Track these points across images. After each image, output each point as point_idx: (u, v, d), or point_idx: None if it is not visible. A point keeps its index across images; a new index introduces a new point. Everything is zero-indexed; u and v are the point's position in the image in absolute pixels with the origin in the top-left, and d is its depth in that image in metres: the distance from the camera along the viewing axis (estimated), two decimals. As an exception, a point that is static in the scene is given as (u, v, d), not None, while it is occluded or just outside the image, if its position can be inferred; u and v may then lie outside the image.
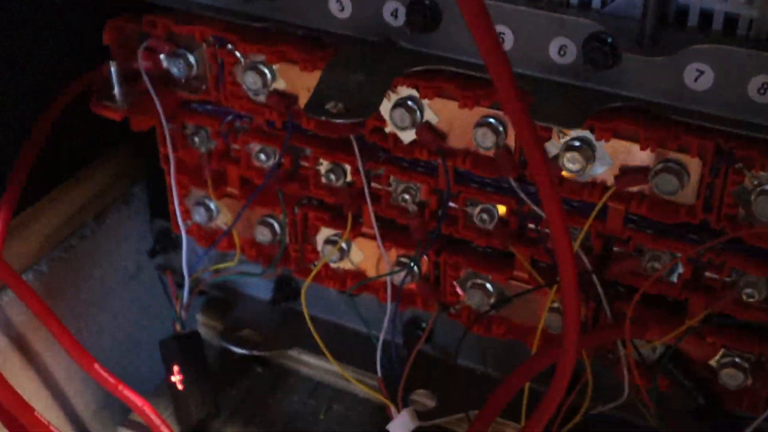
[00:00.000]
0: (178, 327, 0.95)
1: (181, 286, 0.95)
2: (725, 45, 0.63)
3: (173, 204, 0.92)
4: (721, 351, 0.75)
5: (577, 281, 0.64)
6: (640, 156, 0.70)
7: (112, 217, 1.00)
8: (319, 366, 0.99)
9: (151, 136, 0.91)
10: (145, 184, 1.01)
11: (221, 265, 0.96)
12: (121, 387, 0.92)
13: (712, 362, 0.76)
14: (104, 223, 0.99)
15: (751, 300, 0.71)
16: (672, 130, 0.67)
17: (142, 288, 1.06)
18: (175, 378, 0.94)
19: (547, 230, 0.76)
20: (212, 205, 0.92)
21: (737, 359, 0.75)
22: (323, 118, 0.69)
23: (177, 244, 0.99)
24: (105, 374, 0.92)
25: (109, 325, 1.03)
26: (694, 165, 0.68)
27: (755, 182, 0.66)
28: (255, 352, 0.99)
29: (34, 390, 0.92)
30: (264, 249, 0.91)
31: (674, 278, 0.74)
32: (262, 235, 0.89)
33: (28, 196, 0.87)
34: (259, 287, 1.01)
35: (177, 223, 0.92)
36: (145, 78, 0.83)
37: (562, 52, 0.68)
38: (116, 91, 0.84)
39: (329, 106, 0.69)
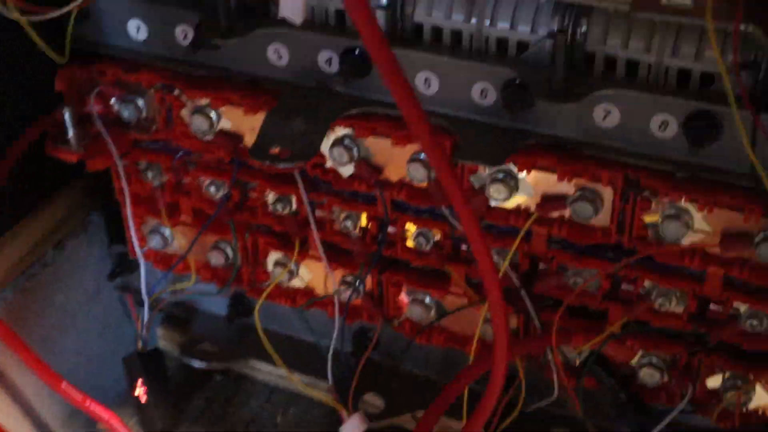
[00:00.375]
0: (140, 344, 1.01)
1: (141, 305, 1.01)
2: (628, 89, 0.70)
3: (129, 233, 0.97)
4: (639, 353, 0.83)
5: (504, 308, 0.70)
6: (558, 185, 0.76)
7: (72, 244, 1.04)
8: (274, 372, 1.05)
9: (107, 169, 0.95)
10: (102, 211, 1.06)
11: (179, 286, 1.02)
12: (88, 402, 0.97)
13: (633, 363, 0.83)
14: (64, 251, 1.03)
15: (663, 309, 0.78)
16: (585, 163, 0.74)
17: (103, 308, 1.11)
18: (139, 391, 1.00)
19: (478, 250, 0.83)
20: (167, 233, 0.97)
21: (654, 360, 0.82)
22: (267, 163, 0.75)
23: (135, 267, 1.05)
24: (72, 391, 0.97)
25: (73, 344, 1.07)
26: (606, 193, 0.75)
27: (662, 208, 0.73)
28: (214, 364, 1.04)
29: (4, 407, 0.97)
30: (218, 271, 0.97)
31: (594, 291, 0.81)
32: (216, 259, 0.95)
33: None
34: (215, 303, 1.06)
35: (134, 250, 0.97)
36: (98, 121, 0.88)
37: (483, 95, 0.75)
38: (70, 135, 0.89)
39: (273, 150, 0.75)
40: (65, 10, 0.76)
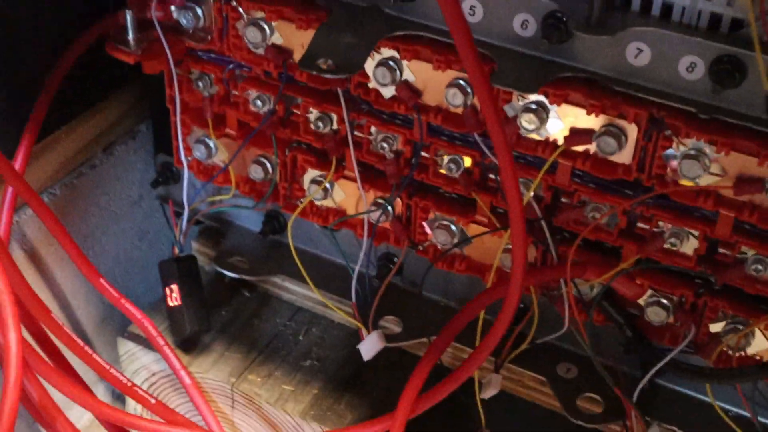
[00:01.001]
0: (176, 251, 1.06)
1: (180, 214, 1.06)
2: (661, 28, 0.74)
3: (176, 141, 1.01)
4: (649, 291, 0.86)
5: (524, 227, 0.75)
6: (586, 120, 0.80)
7: (120, 149, 1.10)
8: (299, 292, 1.09)
9: (157, 78, 1.00)
10: (151, 121, 1.11)
11: (217, 198, 1.07)
12: (123, 300, 1.03)
13: (640, 301, 0.87)
14: (112, 155, 1.09)
15: (674, 248, 0.82)
16: (613, 99, 0.77)
17: (143, 215, 1.17)
18: (173, 295, 1.05)
19: (505, 180, 0.87)
20: (211, 144, 1.01)
21: (662, 299, 0.86)
22: (314, 73, 0.79)
23: (177, 177, 1.10)
24: (109, 288, 1.02)
25: (112, 246, 1.13)
26: (631, 130, 0.79)
27: (681, 147, 0.77)
28: (244, 277, 1.09)
29: (44, 300, 1.03)
30: (256, 185, 1.01)
31: (612, 227, 0.85)
32: (256, 173, 0.99)
33: (47, 126, 0.96)
34: (250, 219, 1.11)
35: (179, 158, 1.02)
36: (157, 27, 0.93)
37: (524, 26, 0.78)
38: (130, 37, 0.93)
39: (320, 62, 0.80)
40: None
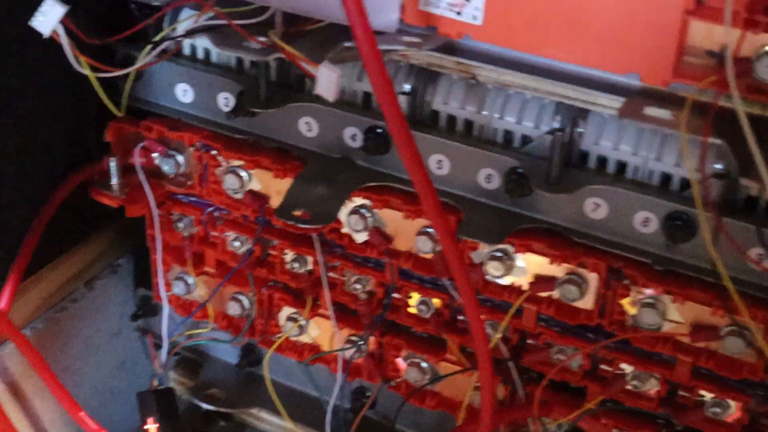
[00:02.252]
0: (155, 383, 1.08)
1: (159, 346, 1.08)
2: (616, 186, 0.78)
3: (157, 277, 1.05)
4: (614, 431, 0.89)
5: (492, 369, 0.78)
6: (549, 268, 0.84)
7: (101, 284, 1.12)
8: (275, 423, 1.11)
9: (137, 218, 1.04)
10: (131, 257, 1.14)
11: (195, 331, 1.09)
12: (102, 433, 1.04)
13: (607, 440, 0.90)
14: (93, 289, 1.11)
15: (636, 390, 0.85)
16: (574, 250, 0.82)
17: (121, 346, 1.18)
18: (151, 427, 1.07)
19: (473, 322, 0.90)
20: (190, 280, 1.05)
21: (626, 439, 0.89)
22: (291, 223, 0.83)
23: (156, 310, 1.13)
24: (89, 421, 1.04)
25: (91, 377, 1.15)
26: (592, 278, 0.83)
27: (639, 296, 0.81)
28: (221, 409, 1.11)
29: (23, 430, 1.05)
30: (233, 320, 1.04)
31: (576, 368, 0.88)
32: (233, 309, 1.02)
33: (32, 265, 0.99)
34: (226, 351, 1.14)
35: (159, 294, 1.05)
36: (140, 172, 0.97)
37: (488, 180, 0.83)
38: (114, 182, 0.97)
39: (296, 212, 0.84)
40: (128, 70, 0.86)
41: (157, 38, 0.89)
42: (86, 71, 0.80)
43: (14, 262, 0.96)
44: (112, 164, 0.97)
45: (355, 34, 0.59)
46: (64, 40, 0.75)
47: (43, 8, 0.74)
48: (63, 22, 0.75)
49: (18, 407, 1.05)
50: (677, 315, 0.80)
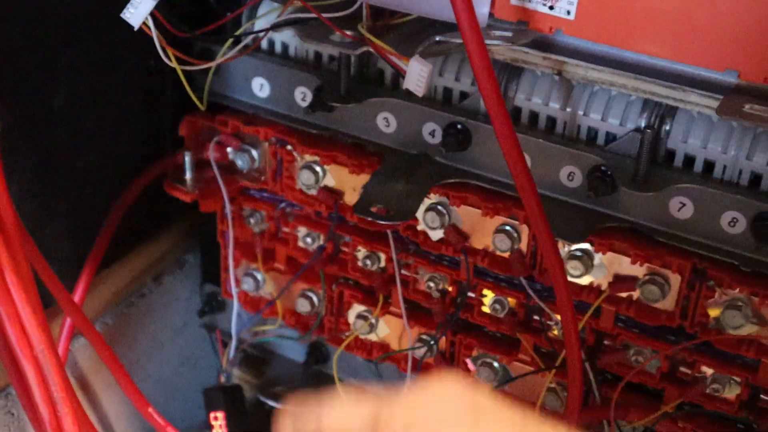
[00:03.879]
0: (222, 379, 1.08)
1: (226, 343, 1.09)
2: (703, 185, 0.77)
3: (225, 273, 1.05)
4: (691, 434, 0.88)
5: (582, 363, 0.77)
6: (630, 268, 0.83)
7: (168, 279, 1.13)
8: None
9: (205, 213, 1.04)
10: (199, 252, 1.14)
11: (263, 328, 1.09)
12: (169, 429, 1.04)
13: (683, 443, 0.89)
14: (161, 284, 1.12)
15: (716, 393, 0.84)
16: (658, 250, 0.81)
17: (185, 342, 1.19)
18: (218, 423, 1.07)
19: (549, 322, 0.90)
20: (259, 277, 1.05)
21: (705, 443, 0.88)
22: (369, 219, 0.83)
23: (223, 307, 1.13)
24: (157, 417, 1.04)
25: (156, 372, 1.15)
26: (674, 279, 0.82)
27: (723, 298, 0.80)
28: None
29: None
30: (302, 318, 1.04)
31: (653, 370, 0.87)
32: (302, 306, 1.02)
33: (104, 260, 1.00)
34: (292, 349, 1.13)
35: (228, 289, 1.05)
36: (214, 167, 0.97)
37: (570, 178, 0.82)
38: (188, 176, 0.98)
39: (374, 209, 0.83)
40: (212, 64, 0.86)
41: (239, 32, 0.89)
42: (174, 64, 0.80)
43: (89, 256, 0.97)
44: (187, 159, 0.97)
45: (461, 28, 0.59)
46: (155, 32, 0.76)
47: (134, 1, 0.74)
48: (153, 13, 0.75)
49: (86, 401, 1.06)
50: (762, 317, 0.79)
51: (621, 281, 0.84)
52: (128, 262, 1.06)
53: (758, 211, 0.75)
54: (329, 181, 0.94)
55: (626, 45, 0.74)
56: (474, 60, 0.60)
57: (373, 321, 0.99)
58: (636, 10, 0.71)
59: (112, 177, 0.97)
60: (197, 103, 0.91)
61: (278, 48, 0.94)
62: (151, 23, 0.75)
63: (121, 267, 1.05)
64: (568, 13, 0.74)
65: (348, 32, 0.78)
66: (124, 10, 0.74)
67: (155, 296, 1.12)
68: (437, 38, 0.76)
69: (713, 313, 0.81)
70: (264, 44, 0.94)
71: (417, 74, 0.73)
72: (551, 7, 0.74)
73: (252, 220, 1.02)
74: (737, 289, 0.78)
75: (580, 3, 0.73)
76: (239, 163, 0.97)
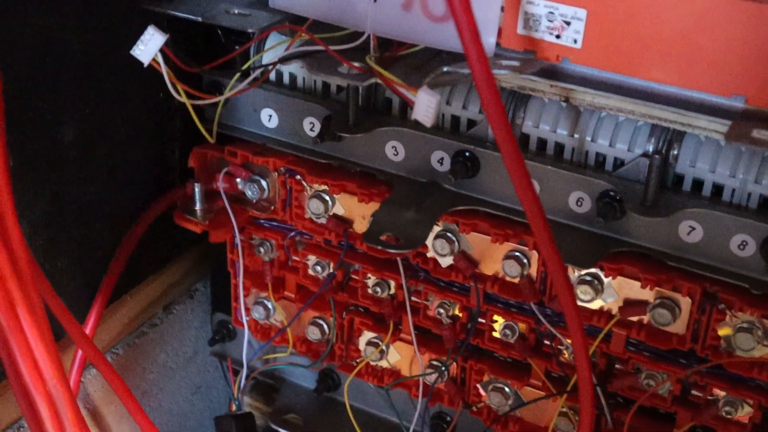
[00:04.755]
0: (233, 407, 1.08)
1: (237, 371, 1.09)
2: (713, 209, 0.78)
3: (236, 301, 1.05)
4: (705, 457, 0.88)
5: (593, 387, 0.77)
6: (640, 292, 0.83)
7: (179, 308, 1.13)
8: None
9: (215, 243, 1.04)
10: (209, 281, 1.15)
11: (273, 356, 1.10)
12: (180, 458, 1.05)
13: (698, 467, 0.89)
14: (172, 314, 1.12)
15: (729, 416, 0.84)
16: (668, 274, 0.81)
17: (197, 370, 1.19)
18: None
19: (560, 346, 0.90)
20: (270, 305, 1.05)
21: (719, 465, 0.88)
22: (379, 248, 0.83)
23: (233, 335, 1.13)
24: (168, 447, 1.05)
25: (167, 401, 1.15)
26: (684, 303, 0.82)
27: (734, 320, 0.80)
28: (298, 434, 1.12)
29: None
30: (313, 345, 1.05)
31: (665, 394, 0.87)
32: (313, 334, 1.03)
33: (115, 292, 1.00)
34: (303, 376, 1.14)
35: (239, 319, 1.06)
36: (224, 198, 0.97)
37: (579, 203, 0.83)
38: (198, 207, 0.98)
39: (384, 237, 0.84)
40: (221, 98, 0.87)
41: (246, 65, 0.90)
42: (183, 99, 0.81)
43: (99, 288, 0.97)
44: (197, 189, 0.97)
45: (469, 59, 0.59)
46: (164, 68, 0.76)
47: (144, 37, 0.74)
48: (162, 50, 0.75)
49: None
50: (774, 340, 0.80)
51: (631, 305, 0.84)
52: (138, 293, 1.06)
53: (768, 234, 0.76)
54: (338, 209, 0.94)
55: (633, 72, 0.75)
56: (482, 90, 0.61)
57: (384, 348, 1.00)
58: (642, 38, 0.72)
59: (122, 210, 0.97)
60: (206, 136, 0.92)
61: (286, 79, 0.94)
62: (160, 59, 0.76)
63: (131, 298, 1.05)
64: (575, 41, 0.75)
65: (356, 64, 0.79)
66: (134, 47, 0.75)
67: (166, 325, 1.12)
68: (445, 69, 0.76)
69: (724, 335, 0.81)
70: (272, 76, 0.94)
71: (425, 105, 0.73)
72: (558, 36, 0.75)
73: (262, 249, 1.02)
74: (748, 312, 0.79)
75: (586, 32, 0.74)
76: (249, 193, 0.97)
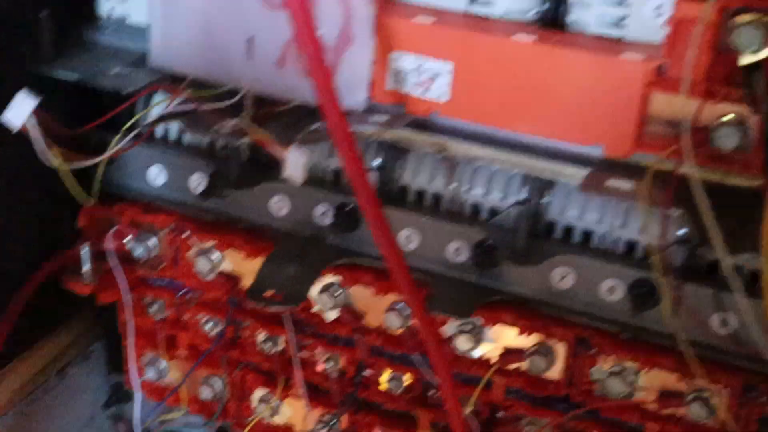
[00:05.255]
0: (129, 471, 1.07)
1: (132, 434, 1.08)
2: (582, 255, 0.80)
3: (128, 363, 1.05)
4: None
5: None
6: (518, 339, 0.85)
7: (73, 371, 1.12)
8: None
9: (110, 303, 1.04)
10: (104, 342, 1.14)
11: (169, 416, 1.09)
12: None
13: None
14: (66, 378, 1.11)
15: (608, 459, 0.86)
16: (543, 320, 0.83)
17: (94, 435, 1.18)
18: None
19: (445, 397, 0.91)
20: (163, 365, 1.05)
21: None
22: (262, 305, 0.84)
23: (129, 397, 1.13)
24: None
25: (64, 468, 1.14)
26: (559, 348, 0.84)
27: (606, 365, 0.82)
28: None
29: None
30: (206, 404, 1.04)
31: (547, 438, 0.89)
32: (206, 392, 1.02)
33: (3, 358, 0.99)
34: (200, 436, 1.14)
35: (131, 381, 1.05)
36: (112, 258, 0.98)
37: (457, 253, 0.85)
38: (86, 269, 0.98)
39: (268, 293, 0.84)
40: (99, 159, 0.86)
41: (128, 124, 0.90)
42: (56, 164, 0.80)
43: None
44: (83, 251, 0.97)
45: (326, 117, 0.61)
46: (35, 133, 0.76)
47: (15, 102, 0.74)
48: (34, 113, 0.75)
49: None
50: (644, 382, 0.82)
51: (510, 353, 0.86)
52: (30, 357, 1.05)
53: (634, 278, 0.78)
54: (227, 265, 0.95)
55: (501, 124, 0.78)
56: (340, 148, 0.63)
57: (275, 404, 1.00)
58: (505, 92, 0.75)
59: (7, 275, 0.97)
60: (80, 198, 0.92)
61: (172, 136, 0.96)
62: (32, 123, 0.76)
63: (21, 363, 1.04)
64: (443, 95, 0.77)
65: (231, 122, 0.81)
66: (5, 113, 0.75)
67: (60, 390, 1.11)
68: (314, 126, 0.78)
69: (597, 380, 0.83)
70: (159, 132, 0.95)
71: (294, 163, 0.75)
72: (425, 91, 0.77)
73: (153, 308, 1.02)
74: (617, 356, 0.81)
75: (454, 85, 0.77)
76: (137, 252, 0.98)
